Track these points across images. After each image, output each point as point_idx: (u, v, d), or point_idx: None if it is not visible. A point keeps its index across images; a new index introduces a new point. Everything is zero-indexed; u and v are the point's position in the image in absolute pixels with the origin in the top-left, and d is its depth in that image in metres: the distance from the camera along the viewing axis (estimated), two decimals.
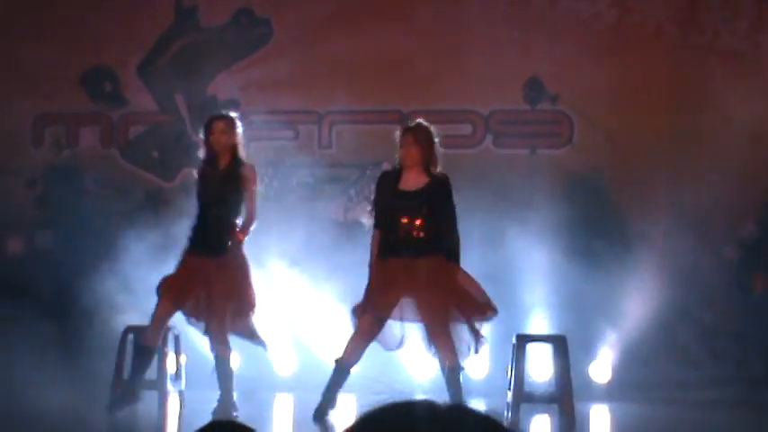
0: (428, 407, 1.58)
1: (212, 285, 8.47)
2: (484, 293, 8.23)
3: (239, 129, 8.75)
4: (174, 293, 8.52)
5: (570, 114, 10.87)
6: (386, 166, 10.92)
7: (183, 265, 8.63)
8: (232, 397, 8.52)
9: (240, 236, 8.53)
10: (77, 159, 11.42)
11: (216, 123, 8.72)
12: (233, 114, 8.93)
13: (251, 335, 8.72)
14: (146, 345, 8.65)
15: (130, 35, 11.41)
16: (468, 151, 10.48)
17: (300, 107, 11.13)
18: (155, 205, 11.01)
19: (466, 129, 10.93)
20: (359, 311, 8.35)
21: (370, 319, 8.26)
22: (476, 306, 8.19)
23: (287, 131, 11.20)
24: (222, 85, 11.31)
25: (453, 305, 8.16)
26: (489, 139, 10.98)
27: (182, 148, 11.18)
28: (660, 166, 10.54)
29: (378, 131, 11.00)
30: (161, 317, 8.58)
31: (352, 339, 8.38)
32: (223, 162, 8.66)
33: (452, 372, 8.17)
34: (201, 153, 8.84)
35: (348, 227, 10.96)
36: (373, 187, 8.73)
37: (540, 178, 10.50)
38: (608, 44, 10.79)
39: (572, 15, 10.86)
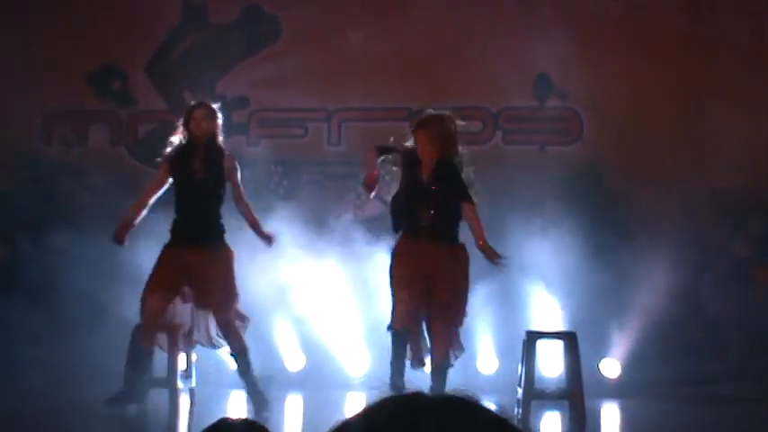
0: (429, 398, 1.58)
1: (201, 281, 8.44)
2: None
3: (220, 120, 8.64)
4: (161, 287, 8.47)
5: (579, 111, 10.86)
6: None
7: (166, 260, 8.51)
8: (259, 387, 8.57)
9: (265, 234, 8.55)
10: (86, 158, 11.42)
11: (198, 110, 8.59)
12: (215, 105, 8.82)
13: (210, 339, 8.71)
14: (141, 344, 8.62)
15: (139, 33, 11.42)
16: (478, 148, 10.46)
17: (310, 104, 11.14)
18: (164, 203, 10.98)
19: (475, 126, 10.92)
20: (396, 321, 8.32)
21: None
22: (461, 314, 8.28)
23: (296, 129, 11.21)
24: (231, 83, 11.32)
25: (455, 307, 8.22)
26: (499, 135, 10.98)
27: None
28: (669, 161, 10.53)
29: (387, 129, 10.96)
30: (152, 314, 8.52)
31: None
32: (201, 152, 8.52)
33: (440, 368, 8.21)
34: (177, 139, 8.62)
35: (358, 224, 10.96)
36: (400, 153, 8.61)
37: (550, 175, 10.50)
38: (616, 40, 10.78)
39: (580, 11, 10.85)
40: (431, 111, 8.53)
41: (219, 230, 8.52)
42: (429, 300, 8.21)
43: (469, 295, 8.35)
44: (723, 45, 10.67)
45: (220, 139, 8.62)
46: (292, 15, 11.26)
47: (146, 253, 10.39)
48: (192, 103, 8.90)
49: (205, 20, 11.46)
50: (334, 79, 11.04)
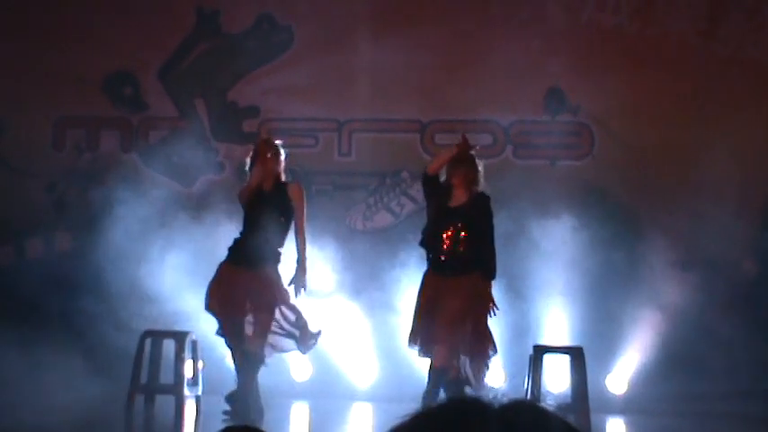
0: (482, 405, 1.55)
1: (253, 299, 8.54)
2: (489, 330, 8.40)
3: (283, 157, 8.79)
4: (227, 308, 8.59)
5: (590, 126, 10.86)
6: (405, 175, 10.97)
7: (223, 277, 8.66)
8: (248, 395, 8.56)
9: (302, 274, 8.63)
10: (97, 163, 11.44)
11: (264, 148, 8.77)
12: (279, 142, 8.94)
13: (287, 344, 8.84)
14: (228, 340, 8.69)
15: (152, 40, 11.44)
16: (488, 162, 10.46)
17: (320, 115, 11.15)
18: (174, 211, 11.01)
19: (486, 139, 10.92)
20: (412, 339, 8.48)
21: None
22: (481, 345, 8.33)
23: (307, 139, 11.22)
24: (243, 92, 11.34)
25: (469, 330, 8.30)
26: (509, 149, 10.98)
27: (201, 155, 11.22)
28: (680, 178, 10.52)
29: (397, 140, 11.02)
30: (231, 331, 8.62)
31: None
32: (267, 186, 8.70)
33: (439, 372, 8.26)
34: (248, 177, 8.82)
35: (366, 234, 10.98)
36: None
37: (560, 189, 10.49)
38: (630, 55, 10.77)
39: (594, 26, 10.86)
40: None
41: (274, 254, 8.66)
42: (440, 311, 8.30)
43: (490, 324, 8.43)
44: (737, 63, 10.67)
45: (284, 177, 8.78)
46: (305, 26, 11.28)
47: (155, 262, 10.44)
48: (261, 140, 9.01)
49: (218, 28, 11.48)
50: (345, 90, 11.06)
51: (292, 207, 8.67)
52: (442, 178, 8.55)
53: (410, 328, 8.46)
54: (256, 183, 8.67)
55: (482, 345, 8.29)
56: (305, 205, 8.76)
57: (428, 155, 10.92)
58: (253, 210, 8.66)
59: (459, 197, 8.44)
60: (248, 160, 8.80)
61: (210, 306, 8.63)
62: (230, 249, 8.74)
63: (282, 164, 8.79)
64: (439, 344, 8.26)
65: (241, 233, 8.74)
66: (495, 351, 8.36)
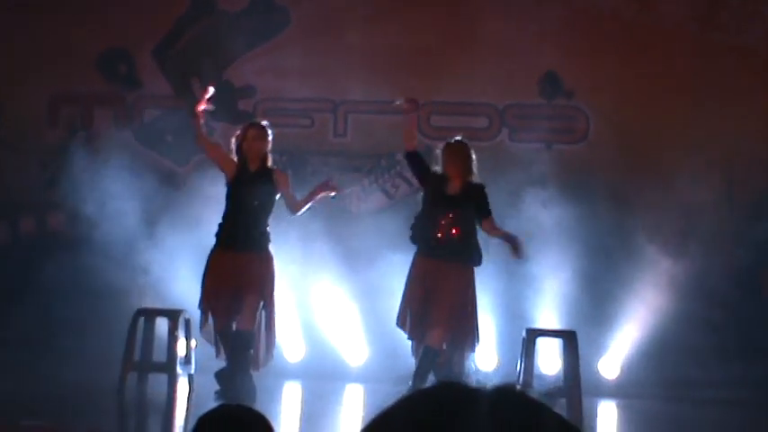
0: (471, 390, 1.55)
1: (242, 281, 8.56)
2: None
3: (270, 137, 8.80)
4: (220, 308, 8.61)
5: (586, 110, 10.85)
6: (400, 157, 10.97)
7: (214, 269, 8.68)
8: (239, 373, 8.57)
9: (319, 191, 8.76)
10: (91, 141, 11.41)
11: (250, 130, 8.78)
12: (265, 123, 8.95)
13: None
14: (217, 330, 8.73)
15: (147, 17, 11.40)
16: (484, 144, 10.45)
17: (316, 96, 11.12)
18: (167, 189, 11.00)
19: (481, 122, 10.92)
20: (401, 321, 8.60)
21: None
22: (470, 332, 8.46)
23: (302, 119, 11.20)
24: (238, 71, 11.30)
25: (462, 316, 8.40)
26: (505, 132, 10.96)
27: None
28: (675, 163, 10.51)
29: (393, 122, 10.96)
30: (222, 334, 8.65)
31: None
32: (253, 167, 8.74)
33: (432, 354, 8.36)
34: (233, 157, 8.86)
35: (361, 215, 10.97)
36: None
37: (555, 173, 10.49)
38: (626, 40, 10.76)
39: (590, 10, 10.84)
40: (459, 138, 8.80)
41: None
42: (435, 296, 8.42)
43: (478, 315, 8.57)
44: (733, 49, 10.66)
45: (270, 159, 8.82)
46: (301, 5, 11.24)
47: (149, 240, 10.44)
48: (248, 122, 9.11)
49: (214, 6, 11.44)
50: (340, 71, 11.03)
51: (276, 191, 8.71)
52: (438, 168, 8.63)
53: (399, 310, 8.56)
54: (242, 161, 8.71)
55: (470, 332, 8.43)
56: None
57: (423, 137, 10.91)
58: (239, 190, 8.67)
59: (454, 187, 8.55)
60: (233, 140, 8.82)
61: (205, 308, 8.66)
62: (218, 236, 8.74)
63: (269, 144, 8.81)
64: (435, 326, 8.33)
65: (226, 216, 8.75)
66: (479, 341, 8.52)
